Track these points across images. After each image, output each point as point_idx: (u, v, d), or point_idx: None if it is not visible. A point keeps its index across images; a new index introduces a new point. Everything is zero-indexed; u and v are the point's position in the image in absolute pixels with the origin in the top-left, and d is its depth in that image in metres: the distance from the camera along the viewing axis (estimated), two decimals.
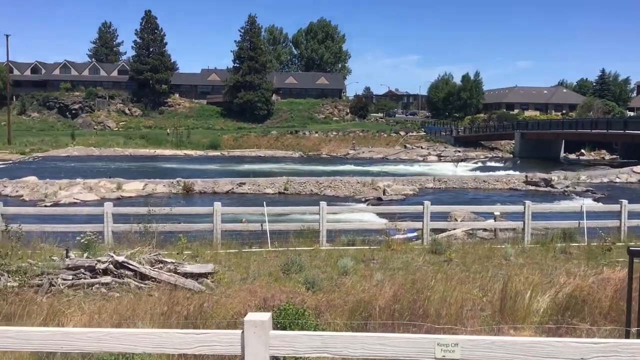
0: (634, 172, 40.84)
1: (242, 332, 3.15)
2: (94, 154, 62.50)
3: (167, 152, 67.10)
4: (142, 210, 13.28)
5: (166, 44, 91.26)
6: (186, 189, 31.37)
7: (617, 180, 39.36)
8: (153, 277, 8.48)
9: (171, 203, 21.17)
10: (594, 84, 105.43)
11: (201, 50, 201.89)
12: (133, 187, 31.13)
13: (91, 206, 19.58)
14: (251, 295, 6.61)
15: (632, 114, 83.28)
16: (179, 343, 3.21)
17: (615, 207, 15.35)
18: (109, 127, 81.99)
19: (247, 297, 6.55)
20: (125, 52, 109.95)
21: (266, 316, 3.22)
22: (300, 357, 3.69)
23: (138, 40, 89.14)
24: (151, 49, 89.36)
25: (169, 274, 8.54)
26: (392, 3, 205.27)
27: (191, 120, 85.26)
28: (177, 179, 33.14)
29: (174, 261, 9.11)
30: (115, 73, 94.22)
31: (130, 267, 8.56)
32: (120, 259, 8.62)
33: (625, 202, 15.00)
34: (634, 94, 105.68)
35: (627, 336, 3.69)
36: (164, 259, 9.11)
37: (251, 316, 3.21)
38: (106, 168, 45.37)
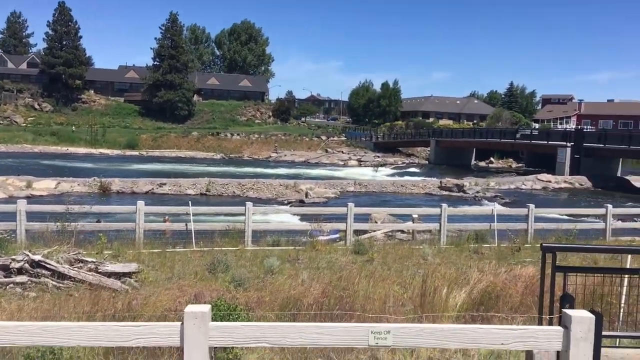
0: (538, 179, 43.72)
1: (182, 323, 3.18)
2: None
3: (81, 150, 64.18)
4: (59, 208, 12.69)
5: (81, 37, 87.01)
6: (103, 188, 30.12)
7: (523, 187, 41.95)
8: (72, 277, 8.15)
9: (88, 202, 20.21)
10: (503, 96, 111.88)
11: (119, 46, 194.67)
12: (44, 185, 29.52)
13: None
14: (180, 292, 6.54)
15: (537, 125, 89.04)
16: (115, 336, 3.18)
17: (522, 211, 16.34)
18: (16, 122, 76.94)
19: (177, 294, 6.47)
20: (36, 44, 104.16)
21: (206, 308, 3.26)
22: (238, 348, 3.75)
23: (50, 32, 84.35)
24: (64, 42, 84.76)
25: (90, 273, 8.25)
26: (316, 8, 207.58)
27: (107, 118, 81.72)
28: (93, 177, 31.74)
29: (94, 260, 8.80)
30: (24, 66, 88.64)
31: (48, 266, 8.18)
32: (37, 257, 8.23)
33: (532, 206, 16.03)
34: (539, 106, 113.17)
35: (540, 323, 4.07)
36: (84, 258, 8.78)
37: (191, 308, 3.23)
38: (14, 165, 42.69)
